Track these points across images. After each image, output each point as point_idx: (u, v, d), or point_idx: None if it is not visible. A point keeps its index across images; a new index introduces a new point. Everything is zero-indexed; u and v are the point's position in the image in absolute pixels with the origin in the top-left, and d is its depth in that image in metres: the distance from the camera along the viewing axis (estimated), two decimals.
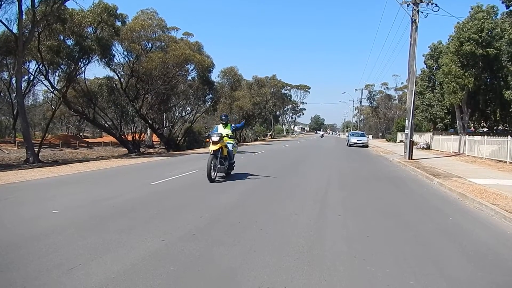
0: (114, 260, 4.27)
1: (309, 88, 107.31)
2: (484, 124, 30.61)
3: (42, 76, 26.71)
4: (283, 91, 79.05)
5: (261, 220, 6.22)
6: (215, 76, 48.40)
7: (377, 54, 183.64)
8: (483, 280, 3.97)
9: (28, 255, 4.40)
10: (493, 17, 21.71)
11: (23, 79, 26.83)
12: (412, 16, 18.98)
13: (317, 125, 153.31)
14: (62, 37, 25.53)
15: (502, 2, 19.90)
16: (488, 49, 20.87)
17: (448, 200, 8.68)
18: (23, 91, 24.80)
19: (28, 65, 28.09)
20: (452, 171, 13.67)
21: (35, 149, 22.29)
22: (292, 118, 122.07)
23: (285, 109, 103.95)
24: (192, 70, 36.91)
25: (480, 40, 20.89)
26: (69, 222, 5.99)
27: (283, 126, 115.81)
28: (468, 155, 21.45)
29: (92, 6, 25.76)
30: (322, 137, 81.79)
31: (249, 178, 11.68)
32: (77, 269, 3.99)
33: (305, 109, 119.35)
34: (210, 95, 41.74)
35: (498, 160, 17.57)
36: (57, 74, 29.03)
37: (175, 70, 34.02)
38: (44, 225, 5.81)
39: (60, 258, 4.32)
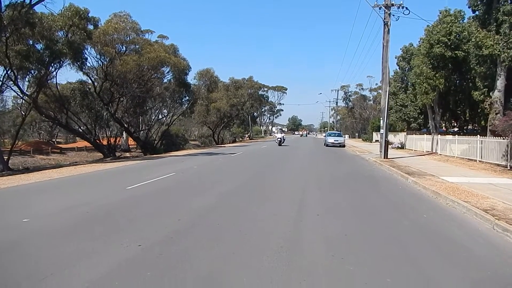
0: (88, 268, 4.14)
1: (286, 89, 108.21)
2: (455, 124, 31.47)
3: (11, 82, 25.64)
4: (260, 92, 79.06)
5: (240, 222, 6.18)
6: (191, 78, 47.87)
7: (352, 56, 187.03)
8: (458, 276, 4.06)
9: None
10: (461, 21, 22.44)
11: None
12: (384, 19, 19.40)
13: (295, 125, 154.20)
14: (31, 42, 24.61)
15: (469, 7, 20.52)
16: (456, 52, 21.53)
17: (422, 198, 8.87)
18: None
19: None
20: (425, 170, 13.99)
21: (4, 157, 21.55)
22: (269, 119, 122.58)
23: (263, 110, 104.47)
24: (168, 72, 36.50)
25: (449, 43, 21.55)
26: (41, 230, 5.79)
27: (261, 127, 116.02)
28: (440, 154, 22.02)
29: (63, 9, 24.89)
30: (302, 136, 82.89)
31: (227, 179, 11.62)
32: (49, 279, 3.86)
33: (282, 110, 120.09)
34: (187, 97, 41.41)
35: (468, 159, 18.10)
36: (27, 79, 28.01)
37: (150, 73, 33.57)
38: (14, 234, 5.60)
39: (30, 268, 4.17)
